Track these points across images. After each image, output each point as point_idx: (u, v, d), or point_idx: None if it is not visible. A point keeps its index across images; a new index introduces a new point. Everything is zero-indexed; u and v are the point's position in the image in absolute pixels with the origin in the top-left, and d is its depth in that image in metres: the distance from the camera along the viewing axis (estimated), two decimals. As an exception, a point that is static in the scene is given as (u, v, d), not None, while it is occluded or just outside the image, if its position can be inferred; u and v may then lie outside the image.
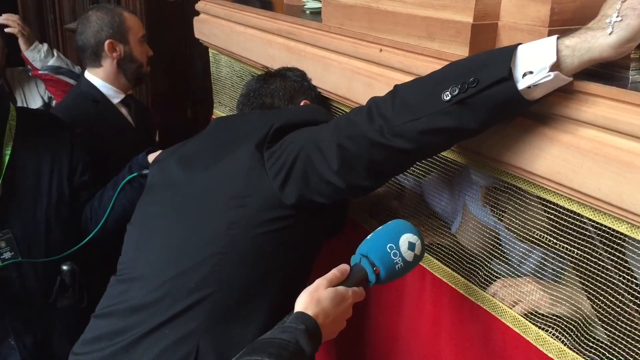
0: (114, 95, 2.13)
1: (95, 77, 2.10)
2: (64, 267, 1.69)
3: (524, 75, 0.86)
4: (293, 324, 0.93)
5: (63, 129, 1.79)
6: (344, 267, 1.03)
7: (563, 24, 0.97)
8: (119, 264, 1.28)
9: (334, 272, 1.01)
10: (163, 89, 2.86)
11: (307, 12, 1.75)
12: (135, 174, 1.70)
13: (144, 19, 2.68)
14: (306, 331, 0.92)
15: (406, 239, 1.01)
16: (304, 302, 0.97)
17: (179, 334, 1.10)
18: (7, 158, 1.60)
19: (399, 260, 1.00)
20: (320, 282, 0.99)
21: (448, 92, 0.91)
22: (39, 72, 2.52)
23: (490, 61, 0.89)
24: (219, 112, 2.19)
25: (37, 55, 2.53)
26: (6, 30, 2.48)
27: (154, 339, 1.11)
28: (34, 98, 2.60)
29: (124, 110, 2.16)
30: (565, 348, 0.93)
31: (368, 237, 1.04)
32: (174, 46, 2.86)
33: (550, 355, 0.95)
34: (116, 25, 2.08)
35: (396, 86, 1.02)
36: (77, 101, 2.10)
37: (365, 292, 1.04)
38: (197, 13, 2.19)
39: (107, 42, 2.06)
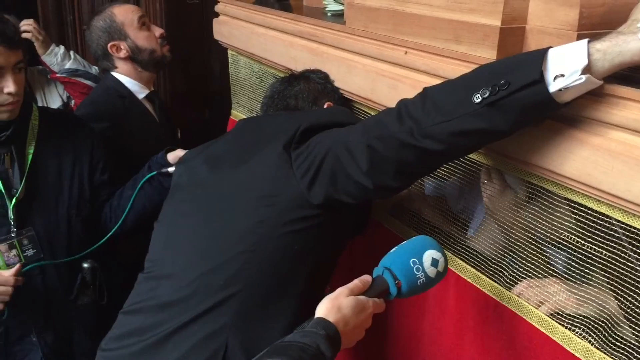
0: (139, 91, 2.15)
1: (119, 75, 2.13)
2: (85, 265, 1.71)
3: (555, 78, 0.87)
4: (314, 329, 0.94)
5: (84, 128, 1.82)
6: (366, 277, 1.03)
7: (591, 28, 0.98)
8: (146, 261, 1.30)
9: (355, 282, 1.02)
10: (181, 90, 2.88)
11: (329, 14, 1.77)
12: (154, 173, 1.72)
13: (164, 20, 2.70)
14: (327, 337, 0.92)
15: (430, 255, 1.02)
16: (325, 309, 0.97)
17: (209, 330, 1.12)
18: (30, 157, 1.63)
19: (422, 275, 1.01)
20: (341, 291, 1.00)
21: (479, 95, 0.92)
22: (57, 75, 2.56)
23: (522, 64, 0.91)
24: (237, 112, 2.21)
25: (54, 59, 2.56)
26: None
27: (183, 335, 1.13)
28: (54, 98, 2.62)
29: (148, 106, 2.18)
30: (592, 348, 0.94)
31: (392, 251, 1.05)
32: (192, 47, 2.88)
33: (577, 355, 0.96)
34: (108, 26, 2.09)
35: (426, 88, 1.03)
36: (105, 96, 2.12)
37: (385, 305, 1.04)
38: (216, 14, 2.21)
39: (108, 46, 2.09)
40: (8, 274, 1.50)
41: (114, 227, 1.77)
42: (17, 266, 1.53)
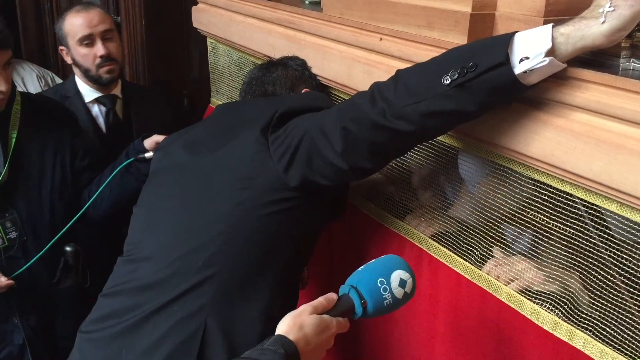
0: (87, 93, 2.12)
1: (76, 75, 2.15)
2: (68, 248, 1.73)
3: (521, 60, 0.91)
4: (272, 346, 0.92)
5: (65, 114, 1.85)
6: (331, 295, 1.01)
7: (557, 14, 1.02)
8: (125, 244, 1.31)
9: (320, 300, 0.99)
10: (160, 78, 2.88)
11: (306, 1, 1.79)
12: (131, 159, 1.73)
13: (142, 8, 2.69)
14: (285, 355, 0.90)
15: (398, 275, 1.01)
16: (286, 326, 0.95)
17: (187, 311, 1.14)
18: (13, 141, 1.65)
19: (389, 296, 1.00)
20: (304, 308, 0.98)
21: (448, 76, 0.95)
22: None
23: (489, 47, 0.94)
24: (216, 100, 2.22)
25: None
26: None
27: (163, 316, 1.14)
28: (32, 80, 2.62)
29: (95, 110, 2.14)
30: (559, 320, 0.98)
31: (360, 269, 1.03)
32: (171, 35, 2.89)
33: (545, 327, 1.00)
34: (59, 31, 2.09)
35: (398, 71, 1.06)
36: (49, 93, 2.13)
37: (349, 325, 1.02)
38: (196, 2, 2.21)
39: (59, 49, 2.12)
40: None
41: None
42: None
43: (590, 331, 0.94)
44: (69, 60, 2.10)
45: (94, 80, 2.09)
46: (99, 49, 2.05)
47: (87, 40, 2.05)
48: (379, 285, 1.00)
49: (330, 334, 0.98)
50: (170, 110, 2.43)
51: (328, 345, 0.99)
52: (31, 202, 1.68)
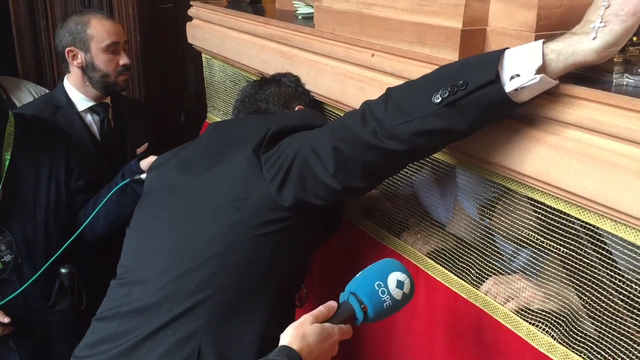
0: (81, 102, 2.11)
1: (67, 82, 2.12)
2: (63, 270, 1.71)
3: (511, 78, 0.89)
4: (277, 357, 0.93)
5: (60, 134, 1.84)
6: (331, 304, 1.03)
7: (549, 29, 1.01)
8: (118, 267, 1.30)
9: (320, 309, 1.01)
10: (156, 94, 2.88)
11: (300, 17, 1.78)
12: (127, 180, 1.72)
13: (137, 24, 2.69)
14: None
15: (395, 277, 1.02)
16: (289, 336, 0.97)
17: (181, 335, 1.12)
18: (7, 163, 1.63)
19: (387, 298, 1.01)
20: (306, 318, 0.99)
21: (439, 95, 0.94)
22: None
23: (479, 64, 0.93)
24: (212, 116, 2.21)
25: None
26: None
27: (156, 341, 1.13)
28: (25, 97, 2.60)
29: (89, 119, 2.14)
30: (555, 342, 0.96)
31: (357, 275, 1.04)
32: (166, 51, 2.88)
33: (541, 349, 0.98)
34: (77, 32, 2.07)
35: (389, 89, 1.05)
36: (39, 104, 2.12)
37: (352, 331, 1.03)
38: (190, 18, 2.21)
39: (66, 49, 2.08)
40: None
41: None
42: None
43: (586, 355, 0.92)
44: (77, 63, 2.08)
45: (107, 85, 2.10)
46: (123, 58, 2.12)
47: (113, 48, 2.09)
48: (377, 288, 1.01)
49: (333, 342, 0.99)
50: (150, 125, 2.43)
51: (332, 353, 1.00)
52: (26, 224, 1.66)
